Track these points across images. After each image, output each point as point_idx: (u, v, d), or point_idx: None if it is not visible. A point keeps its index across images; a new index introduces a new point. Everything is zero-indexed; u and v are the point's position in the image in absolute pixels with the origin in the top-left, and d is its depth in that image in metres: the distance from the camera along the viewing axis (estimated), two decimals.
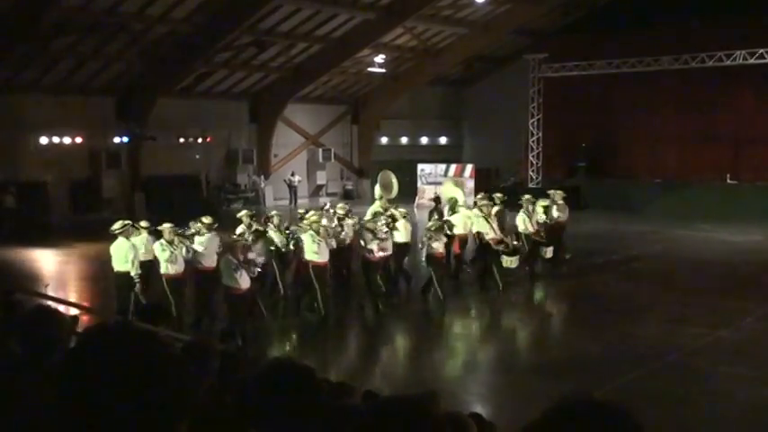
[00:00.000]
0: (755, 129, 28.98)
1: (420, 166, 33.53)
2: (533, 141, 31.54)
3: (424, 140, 38.11)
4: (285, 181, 32.76)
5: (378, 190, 20.48)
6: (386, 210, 15.67)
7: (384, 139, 37.08)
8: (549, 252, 16.55)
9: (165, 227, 12.26)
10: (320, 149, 34.86)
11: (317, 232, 12.92)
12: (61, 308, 12.30)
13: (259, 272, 12.01)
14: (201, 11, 24.58)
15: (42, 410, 2.28)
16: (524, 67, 31.49)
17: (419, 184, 33.18)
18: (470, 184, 32.89)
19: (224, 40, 26.06)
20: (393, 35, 29.86)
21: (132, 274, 12.18)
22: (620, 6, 29.51)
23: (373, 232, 13.62)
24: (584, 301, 14.94)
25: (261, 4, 24.58)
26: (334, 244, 13.41)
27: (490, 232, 15.30)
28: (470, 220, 16.05)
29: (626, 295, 14.86)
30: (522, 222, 16.55)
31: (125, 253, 12.26)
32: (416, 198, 32.49)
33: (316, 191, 35.11)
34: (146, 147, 28.15)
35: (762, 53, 25.54)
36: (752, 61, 25.85)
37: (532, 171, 31.65)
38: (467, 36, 31.84)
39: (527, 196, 17.34)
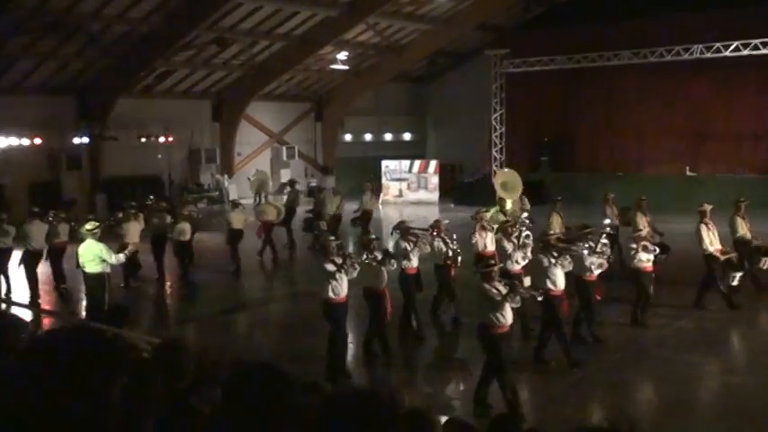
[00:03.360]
0: (713, 122, 29.51)
1: (384, 163, 33.57)
2: (496, 136, 31.74)
3: (388, 137, 38.15)
4: (249, 179, 32.55)
5: (501, 192, 19.82)
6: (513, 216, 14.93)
7: (348, 136, 37.05)
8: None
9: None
10: (284, 147, 34.71)
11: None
12: (21, 312, 12.19)
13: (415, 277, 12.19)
14: (160, 10, 24.32)
15: None
16: (486, 62, 31.66)
17: (384, 180, 33.22)
18: (435, 180, 33.04)
19: (184, 39, 25.84)
20: (355, 32, 29.83)
21: (107, 272, 12.29)
22: (580, 2, 29.86)
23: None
24: None
25: (221, 2, 24.40)
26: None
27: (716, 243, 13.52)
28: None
29: None
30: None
31: (97, 254, 12.15)
32: (381, 195, 32.53)
33: (280, 189, 34.95)
34: (107, 147, 27.81)
35: (718, 47, 25.98)
36: (708, 55, 26.29)
37: (496, 166, 31.83)
38: (429, 32, 31.93)
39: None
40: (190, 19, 24.75)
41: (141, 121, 28.76)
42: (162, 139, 29.56)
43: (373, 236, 11.61)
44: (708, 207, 13.72)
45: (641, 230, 12.95)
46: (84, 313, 13.40)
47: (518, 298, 8.87)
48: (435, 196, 32.59)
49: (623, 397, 9.69)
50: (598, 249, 11.29)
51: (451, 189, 32.69)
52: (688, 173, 29.22)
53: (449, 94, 36.47)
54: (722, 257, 13.27)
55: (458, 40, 34.27)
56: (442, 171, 33.64)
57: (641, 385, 10.23)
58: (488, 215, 15.13)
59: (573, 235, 12.23)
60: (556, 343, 10.43)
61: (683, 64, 27.52)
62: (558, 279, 10.41)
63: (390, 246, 12.96)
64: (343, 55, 31.13)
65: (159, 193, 27.74)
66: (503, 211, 16.89)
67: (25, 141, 25.96)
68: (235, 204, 19.52)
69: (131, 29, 25.10)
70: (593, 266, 11.16)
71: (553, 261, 10.44)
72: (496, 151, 31.83)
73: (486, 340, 8.85)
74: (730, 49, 25.81)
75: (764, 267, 13.95)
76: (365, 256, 10.66)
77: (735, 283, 13.25)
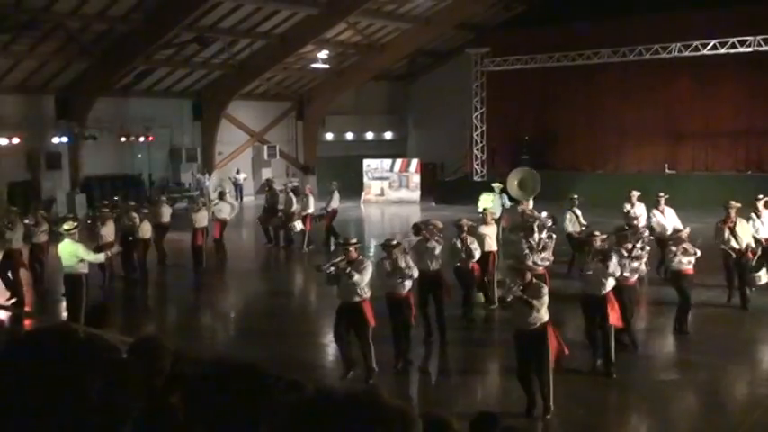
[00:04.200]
0: (691, 120, 29.75)
1: (366, 162, 33.57)
2: (477, 135, 31.84)
3: (369, 136, 38.14)
4: (230, 179, 32.46)
5: (516, 191, 19.40)
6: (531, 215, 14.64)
7: (329, 135, 37.01)
8: None
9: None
10: (265, 146, 34.64)
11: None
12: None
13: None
14: (140, 8, 24.19)
15: None
16: (467, 61, 31.76)
17: (365, 179, 33.22)
18: (416, 179, 33.08)
19: (164, 38, 25.70)
20: (336, 31, 29.80)
21: (85, 273, 12.23)
22: (560, 1, 30.00)
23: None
24: None
25: (201, 0, 24.30)
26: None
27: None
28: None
29: (562, 286, 14.92)
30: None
31: (74, 254, 12.09)
32: (363, 194, 32.54)
33: (261, 188, 34.88)
34: (86, 146, 27.63)
35: (696, 46, 26.21)
36: (687, 54, 26.53)
37: (477, 165, 31.95)
38: (410, 31, 31.96)
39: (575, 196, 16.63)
40: (170, 17, 24.63)
41: (121, 121, 28.60)
42: (142, 139, 29.40)
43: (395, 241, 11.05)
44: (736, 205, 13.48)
45: (681, 232, 12.44)
46: (64, 314, 13.35)
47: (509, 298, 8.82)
48: (417, 195, 32.64)
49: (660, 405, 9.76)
50: (635, 253, 10.96)
51: (433, 188, 32.75)
52: (667, 171, 29.45)
53: (430, 93, 36.52)
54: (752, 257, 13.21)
55: (438, 39, 34.33)
56: (424, 170, 33.70)
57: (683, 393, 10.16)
58: (486, 204, 15.00)
59: (612, 237, 11.61)
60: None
61: (662, 62, 27.76)
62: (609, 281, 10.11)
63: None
64: (323, 54, 31.10)
65: (139, 192, 27.68)
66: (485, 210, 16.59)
67: (3, 141, 25.72)
68: (201, 203, 19.77)
69: (111, 27, 24.93)
70: (628, 270, 10.77)
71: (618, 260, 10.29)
72: (477, 150, 31.92)
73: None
74: (708, 47, 26.06)
75: None
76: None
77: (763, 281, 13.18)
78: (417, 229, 12.14)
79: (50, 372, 1.38)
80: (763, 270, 13.10)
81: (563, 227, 15.79)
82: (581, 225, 15.65)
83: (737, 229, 13.28)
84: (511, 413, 8.63)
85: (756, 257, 13.28)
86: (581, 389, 9.70)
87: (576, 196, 16.58)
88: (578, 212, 16.12)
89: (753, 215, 14.09)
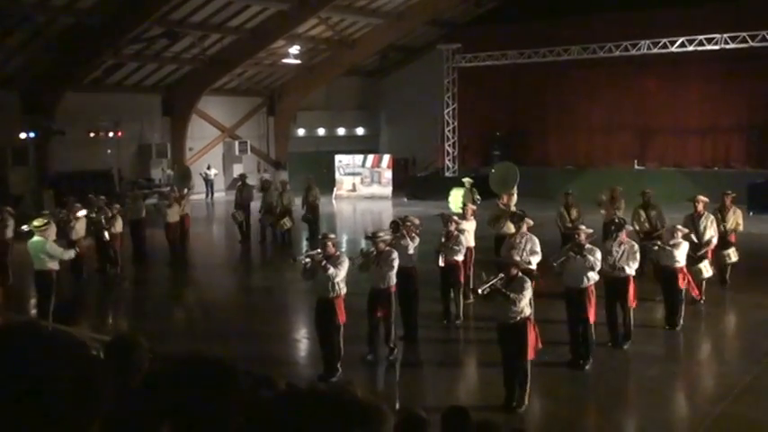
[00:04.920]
0: (660, 117, 30.08)
1: (338, 158, 33.52)
2: (449, 131, 31.93)
3: (341, 131, 38.09)
4: (201, 174, 32.21)
5: (498, 187, 19.13)
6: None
7: (301, 131, 36.91)
8: None
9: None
10: (236, 142, 34.45)
11: None
12: None
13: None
14: (108, 1, 23.90)
15: None
16: (439, 57, 31.82)
17: (337, 175, 33.18)
18: (388, 174, 33.10)
19: (133, 32, 25.42)
20: (308, 26, 29.70)
21: (55, 269, 12.16)
22: None
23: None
24: None
25: None
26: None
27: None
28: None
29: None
30: None
31: (43, 250, 11.96)
32: (335, 189, 32.50)
33: (232, 184, 34.70)
34: (54, 142, 27.27)
35: (665, 43, 26.50)
36: (655, 51, 26.82)
37: (449, 160, 32.04)
38: (381, 26, 31.96)
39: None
40: (139, 11, 24.36)
41: (90, 116, 28.25)
42: (111, 134, 29.09)
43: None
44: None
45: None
46: (34, 310, 13.24)
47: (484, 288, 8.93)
48: (389, 191, 32.66)
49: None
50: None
51: (405, 183, 32.80)
52: (636, 167, 29.76)
53: (401, 89, 36.54)
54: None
55: (410, 35, 34.36)
56: (395, 165, 33.72)
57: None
58: (457, 200, 14.75)
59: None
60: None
61: (630, 59, 28.06)
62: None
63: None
64: (295, 49, 30.97)
65: (109, 188, 27.38)
66: (463, 206, 16.41)
67: None
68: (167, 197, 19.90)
69: (78, 20, 24.60)
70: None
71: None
72: (449, 146, 32.01)
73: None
74: (676, 45, 26.35)
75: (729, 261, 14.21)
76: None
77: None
78: (396, 225, 12.12)
79: (16, 370, 1.36)
80: (705, 263, 13.11)
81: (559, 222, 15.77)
82: (570, 221, 15.36)
83: (703, 222, 13.48)
84: (488, 406, 8.71)
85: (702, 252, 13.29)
86: (556, 383, 9.80)
87: (569, 191, 16.41)
88: (571, 208, 15.85)
89: (717, 211, 14.30)
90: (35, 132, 26.49)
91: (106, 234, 16.60)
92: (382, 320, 10.69)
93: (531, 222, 12.70)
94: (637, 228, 14.76)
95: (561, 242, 14.39)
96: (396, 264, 10.57)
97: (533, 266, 11.79)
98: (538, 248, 12.00)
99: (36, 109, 26.69)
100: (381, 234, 10.69)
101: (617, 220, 11.94)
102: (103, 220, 16.77)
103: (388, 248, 10.67)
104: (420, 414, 5.32)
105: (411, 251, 11.68)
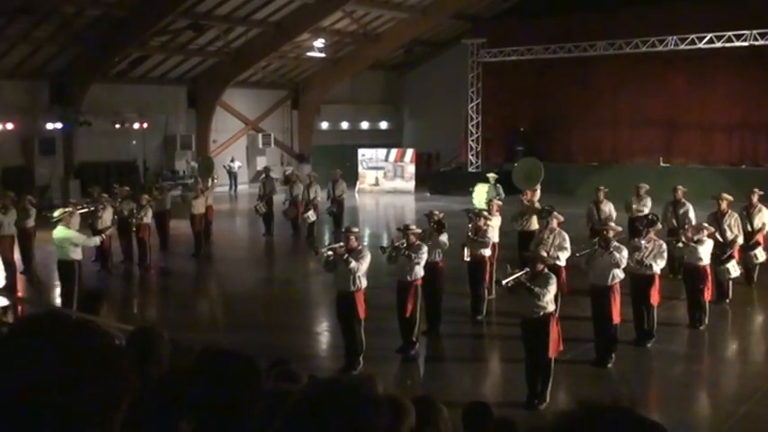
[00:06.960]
0: (686, 113, 29.73)
1: (361, 151, 33.52)
2: (473, 126, 31.79)
3: (365, 125, 38.06)
4: (225, 167, 32.36)
5: (522, 183, 18.84)
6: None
7: (324, 124, 36.94)
8: None
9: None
10: (260, 135, 34.56)
11: None
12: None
13: None
14: None
15: None
16: (463, 52, 31.67)
17: (360, 169, 33.19)
18: (411, 169, 33.05)
19: (159, 24, 25.58)
20: (332, 19, 29.69)
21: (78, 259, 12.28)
22: None
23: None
24: None
25: None
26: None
27: None
28: None
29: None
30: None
31: (67, 240, 12.08)
32: (357, 183, 32.51)
33: (256, 176, 34.83)
34: (81, 133, 27.53)
35: (692, 39, 26.19)
36: (683, 47, 26.51)
37: (472, 155, 31.92)
38: (406, 20, 31.87)
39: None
40: (165, 3, 24.51)
41: (116, 107, 28.50)
42: (136, 125, 29.31)
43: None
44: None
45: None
46: (58, 300, 13.37)
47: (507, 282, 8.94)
48: (411, 185, 32.62)
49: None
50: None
51: (427, 178, 32.73)
52: (662, 163, 29.47)
53: (425, 83, 36.44)
54: None
55: (435, 29, 34.25)
56: (419, 160, 33.66)
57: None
58: (480, 195, 14.61)
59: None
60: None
61: (657, 55, 27.73)
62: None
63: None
64: (319, 42, 30.99)
65: (133, 179, 27.60)
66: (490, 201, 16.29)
67: None
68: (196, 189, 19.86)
69: (105, 12, 24.79)
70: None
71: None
72: (472, 141, 31.89)
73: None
74: (704, 41, 26.03)
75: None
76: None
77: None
78: (435, 220, 12.12)
79: (41, 358, 1.36)
80: (732, 263, 12.99)
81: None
82: (601, 218, 15.10)
83: (727, 221, 13.31)
84: (509, 404, 8.67)
85: (729, 253, 13.06)
86: (579, 380, 9.75)
87: (601, 187, 16.15)
88: (600, 206, 15.64)
89: (744, 210, 14.08)
90: (62, 122, 26.75)
91: (135, 223, 16.71)
92: (407, 314, 10.63)
93: (562, 218, 12.57)
94: (664, 225, 14.56)
95: (589, 239, 14.26)
96: (424, 257, 10.61)
97: (562, 262, 11.70)
98: (567, 244, 11.87)
99: (63, 100, 26.96)
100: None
101: (650, 216, 11.83)
102: (135, 210, 16.87)
103: (418, 242, 10.71)
104: (484, 403, 5.42)
105: (444, 247, 11.64)
